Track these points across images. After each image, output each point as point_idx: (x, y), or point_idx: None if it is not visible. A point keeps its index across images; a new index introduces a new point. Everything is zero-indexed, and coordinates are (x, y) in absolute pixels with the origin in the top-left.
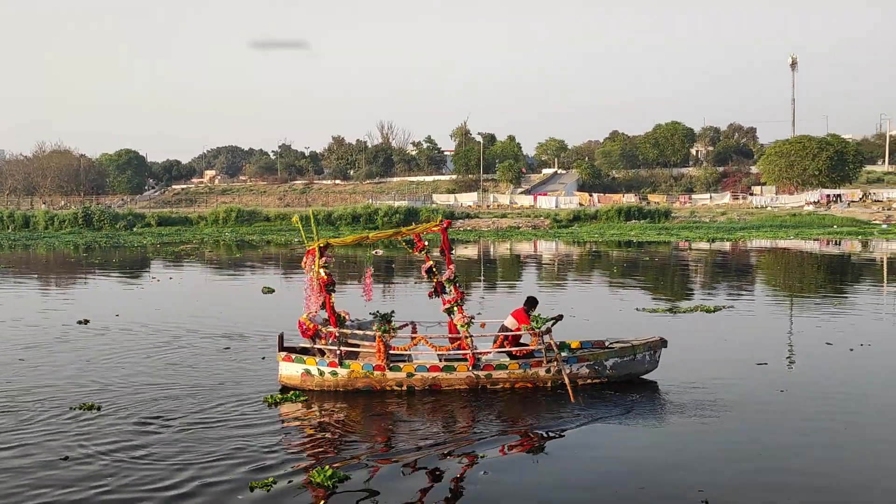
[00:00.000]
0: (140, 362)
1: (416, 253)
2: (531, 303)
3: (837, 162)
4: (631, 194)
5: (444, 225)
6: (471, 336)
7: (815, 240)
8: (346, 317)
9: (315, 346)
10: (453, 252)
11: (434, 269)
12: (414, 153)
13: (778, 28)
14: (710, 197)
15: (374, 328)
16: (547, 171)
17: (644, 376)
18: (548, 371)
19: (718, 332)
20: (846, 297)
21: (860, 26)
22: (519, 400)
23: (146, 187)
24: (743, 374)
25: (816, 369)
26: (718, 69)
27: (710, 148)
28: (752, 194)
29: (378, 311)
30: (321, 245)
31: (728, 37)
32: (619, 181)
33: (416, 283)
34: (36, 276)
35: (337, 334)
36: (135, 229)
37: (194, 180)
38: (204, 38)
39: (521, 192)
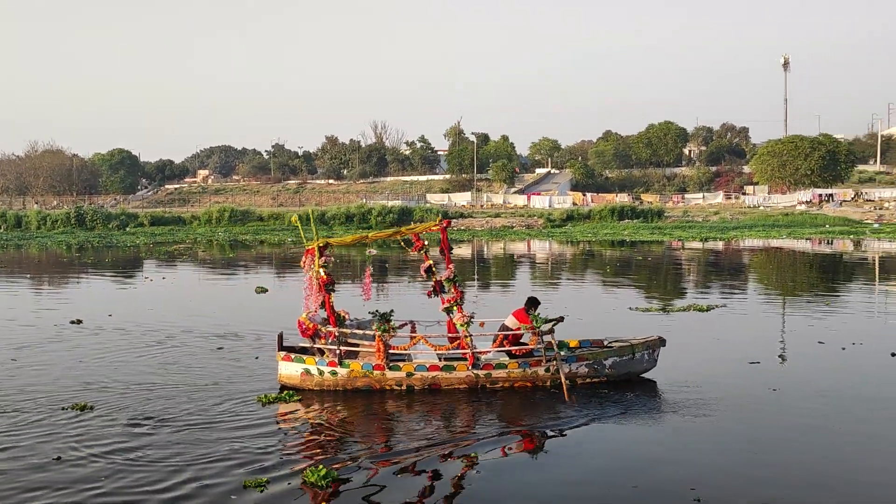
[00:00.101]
0: (133, 362)
1: (415, 252)
2: (532, 303)
3: (829, 162)
4: (624, 194)
5: (444, 224)
6: (470, 335)
7: (807, 239)
8: (346, 316)
9: (314, 345)
10: (452, 251)
11: (433, 269)
12: (407, 153)
13: (770, 28)
14: (703, 196)
15: (374, 327)
16: (540, 171)
17: (643, 375)
18: (547, 370)
19: (711, 331)
20: (838, 297)
21: (852, 27)
22: (518, 399)
23: (139, 187)
24: (736, 373)
25: (809, 368)
26: (711, 69)
27: (703, 148)
28: (744, 194)
29: (377, 311)
30: (321, 245)
31: (721, 37)
32: (612, 181)
33: (409, 282)
34: (28, 276)
35: (336, 334)
36: (128, 229)
37: (187, 180)
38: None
39: (515, 192)
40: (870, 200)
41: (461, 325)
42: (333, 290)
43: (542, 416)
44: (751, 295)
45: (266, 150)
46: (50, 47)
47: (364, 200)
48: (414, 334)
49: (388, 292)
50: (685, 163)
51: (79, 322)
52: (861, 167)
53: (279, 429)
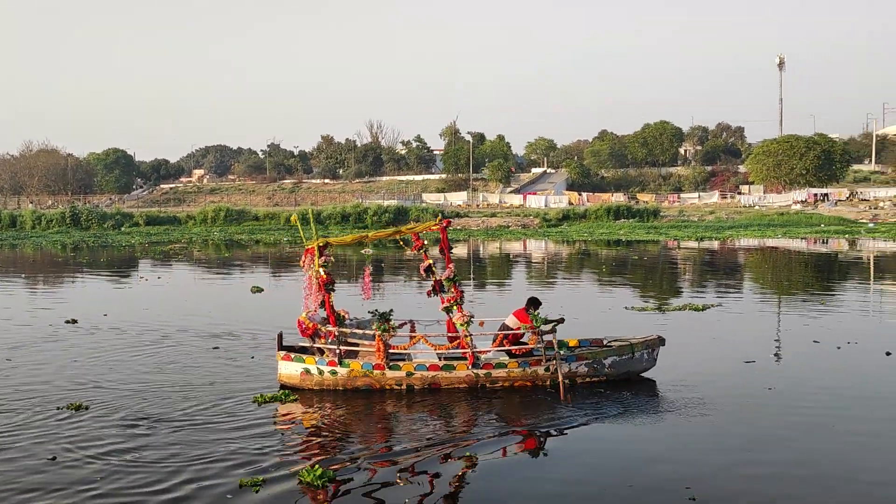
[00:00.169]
0: (128, 362)
1: (415, 252)
2: (533, 303)
3: (825, 161)
4: (620, 193)
5: (444, 224)
6: (470, 335)
7: (802, 239)
8: (346, 316)
9: (314, 345)
10: (452, 251)
11: (433, 268)
12: (403, 152)
13: (766, 28)
14: (699, 196)
15: (374, 327)
16: (536, 171)
17: (642, 374)
18: (547, 370)
19: (707, 330)
20: (833, 296)
21: (847, 27)
22: (518, 399)
23: (134, 186)
24: (731, 373)
25: (804, 367)
26: (707, 69)
27: (699, 147)
28: (740, 193)
29: (377, 310)
30: (320, 244)
31: (716, 37)
32: (608, 180)
33: (405, 281)
34: (23, 276)
35: (336, 333)
36: (123, 229)
37: (183, 179)
38: (194, 37)
39: (511, 192)
40: (865, 200)
41: (461, 325)
42: (333, 290)
43: (541, 415)
44: (746, 294)
45: (262, 150)
46: (45, 47)
47: (360, 200)
48: (414, 334)
49: (385, 291)
50: (681, 162)
51: (74, 322)
52: (856, 167)
53: (277, 429)
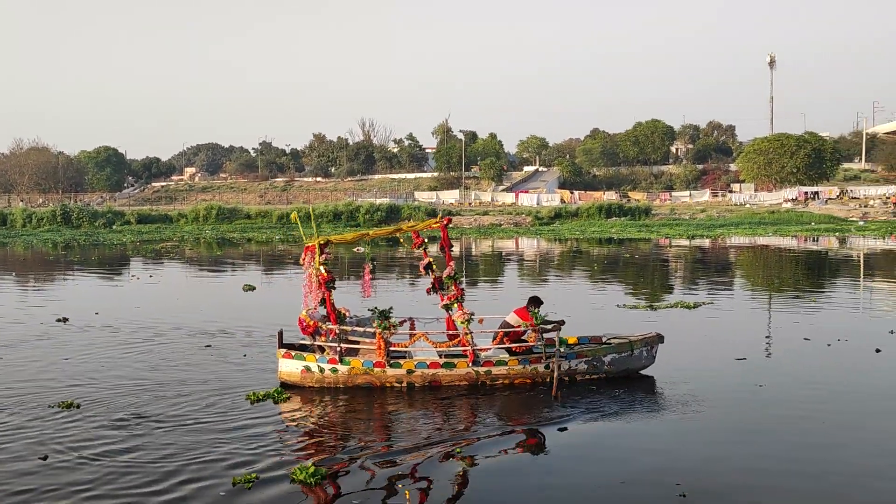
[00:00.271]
0: (120, 360)
1: (414, 249)
2: (535, 301)
3: (815, 160)
4: (612, 192)
5: (445, 222)
6: (471, 332)
7: (793, 237)
8: (346, 314)
9: (315, 342)
10: (453, 249)
11: (433, 266)
12: (395, 150)
13: (756, 27)
14: (690, 194)
15: (375, 325)
16: (528, 169)
17: (641, 372)
18: (547, 367)
19: (698, 327)
20: (824, 293)
21: (837, 26)
22: (518, 396)
23: (125, 185)
24: (722, 370)
25: (795, 364)
26: (698, 68)
27: (690, 146)
28: (731, 191)
29: (377, 308)
30: (321, 242)
31: (707, 36)
32: (599, 179)
33: (398, 279)
34: (14, 274)
35: (337, 331)
36: (114, 227)
37: (174, 178)
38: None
39: (503, 190)
40: (855, 198)
41: (462, 323)
42: (334, 288)
43: (539, 412)
44: (737, 292)
45: (253, 148)
46: (36, 45)
47: (352, 198)
48: (414, 331)
49: (379, 289)
50: (672, 161)
51: (65, 320)
52: (846, 165)
53: (273, 427)
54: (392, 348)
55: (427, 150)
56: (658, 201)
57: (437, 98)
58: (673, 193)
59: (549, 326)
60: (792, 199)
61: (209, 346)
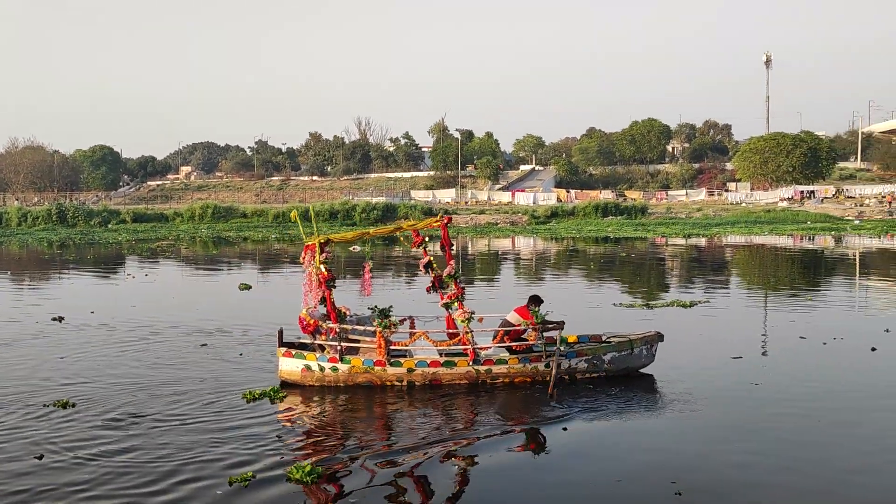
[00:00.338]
0: (116, 359)
1: (415, 248)
2: (535, 300)
3: (811, 159)
4: (608, 191)
5: (445, 221)
6: (471, 331)
7: (788, 236)
8: (347, 312)
9: (315, 341)
10: (453, 248)
11: (433, 264)
12: (391, 149)
13: (753, 27)
14: (686, 193)
15: (375, 323)
16: (525, 168)
17: (641, 370)
18: (547, 366)
19: (695, 326)
20: (819, 292)
21: (834, 26)
22: (518, 395)
23: (121, 184)
24: (719, 368)
25: (790, 363)
26: (694, 67)
27: (686, 145)
28: (727, 191)
29: (377, 306)
30: (321, 241)
31: (703, 35)
32: (596, 178)
33: (394, 277)
34: (9, 273)
35: (338, 330)
36: (110, 226)
37: (170, 177)
38: (181, 33)
39: (499, 189)
40: (851, 197)
41: (462, 321)
42: (334, 286)
43: (539, 411)
44: (733, 291)
45: (249, 147)
46: (30, 43)
47: (348, 197)
48: (414, 330)
49: (378, 288)
50: (668, 160)
51: (61, 319)
52: (842, 164)
53: (270, 426)
54: (392, 347)
55: (423, 149)
56: (654, 200)
57: (434, 97)
58: (669, 192)
59: (551, 326)
60: (788, 198)
61: (205, 344)
